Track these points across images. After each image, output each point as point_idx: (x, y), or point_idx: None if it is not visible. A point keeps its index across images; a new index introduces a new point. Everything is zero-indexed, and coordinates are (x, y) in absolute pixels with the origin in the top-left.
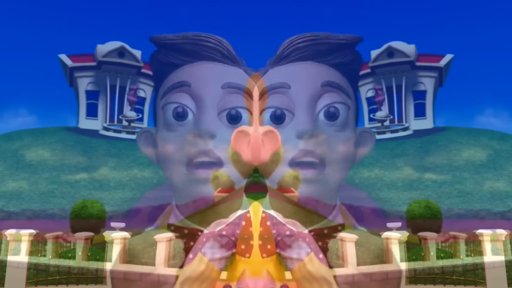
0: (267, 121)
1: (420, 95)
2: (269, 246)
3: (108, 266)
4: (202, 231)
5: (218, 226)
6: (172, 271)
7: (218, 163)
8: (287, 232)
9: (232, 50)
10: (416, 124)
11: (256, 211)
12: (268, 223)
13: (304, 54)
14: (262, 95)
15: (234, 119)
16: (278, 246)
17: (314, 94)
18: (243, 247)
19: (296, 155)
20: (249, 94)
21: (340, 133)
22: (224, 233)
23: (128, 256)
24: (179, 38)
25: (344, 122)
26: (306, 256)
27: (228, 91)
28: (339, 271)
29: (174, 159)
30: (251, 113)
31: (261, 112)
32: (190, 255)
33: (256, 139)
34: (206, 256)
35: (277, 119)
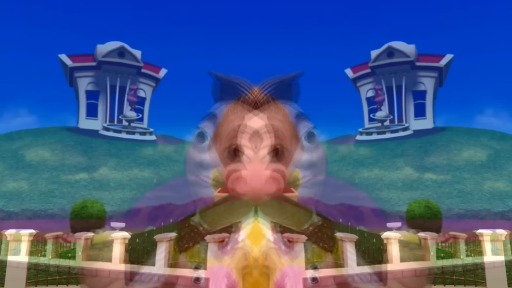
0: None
1: (420, 95)
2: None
3: (108, 266)
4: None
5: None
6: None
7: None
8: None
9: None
10: (416, 124)
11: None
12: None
13: (271, 96)
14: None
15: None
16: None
17: (294, 127)
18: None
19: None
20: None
21: (316, 147)
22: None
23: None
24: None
25: (317, 139)
26: None
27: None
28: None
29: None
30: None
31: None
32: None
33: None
34: None
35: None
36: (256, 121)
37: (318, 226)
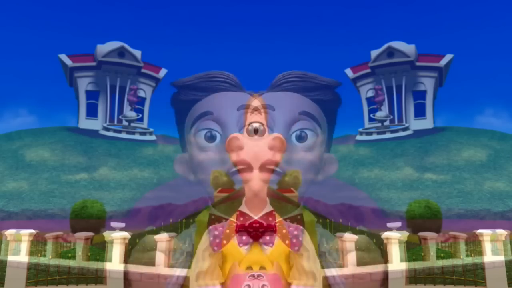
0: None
1: (420, 95)
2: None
3: (108, 266)
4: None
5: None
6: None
7: (249, 168)
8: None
9: (237, 80)
10: (416, 124)
11: None
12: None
13: (293, 86)
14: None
15: (254, 132)
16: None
17: (291, 118)
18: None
19: (265, 161)
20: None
21: (305, 153)
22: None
23: None
24: (195, 79)
25: (311, 145)
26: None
27: (242, 112)
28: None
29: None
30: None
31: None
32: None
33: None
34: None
35: (255, 132)
36: (256, 102)
37: (291, 217)
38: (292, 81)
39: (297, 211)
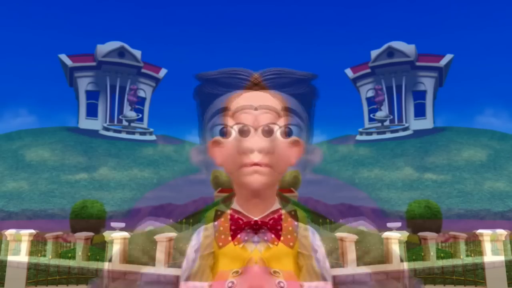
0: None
1: (420, 95)
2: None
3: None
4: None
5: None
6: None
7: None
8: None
9: (260, 79)
10: (416, 124)
11: None
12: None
13: (270, 84)
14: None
15: (268, 132)
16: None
17: (274, 115)
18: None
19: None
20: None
21: (291, 148)
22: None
23: None
24: (219, 74)
25: (297, 140)
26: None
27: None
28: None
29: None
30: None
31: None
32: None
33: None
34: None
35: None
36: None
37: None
38: (269, 78)
39: (290, 207)
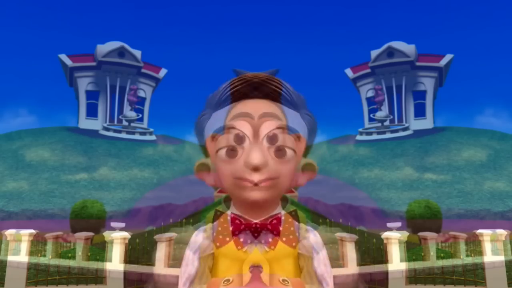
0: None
1: (420, 95)
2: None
3: (108, 266)
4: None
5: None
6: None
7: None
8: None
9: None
10: (416, 124)
11: None
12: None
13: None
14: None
15: (272, 139)
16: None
17: (255, 125)
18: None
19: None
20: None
21: (278, 152)
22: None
23: None
24: (254, 77)
25: (282, 143)
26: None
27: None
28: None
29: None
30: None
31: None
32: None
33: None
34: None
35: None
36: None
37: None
38: (239, 88)
39: (290, 208)
